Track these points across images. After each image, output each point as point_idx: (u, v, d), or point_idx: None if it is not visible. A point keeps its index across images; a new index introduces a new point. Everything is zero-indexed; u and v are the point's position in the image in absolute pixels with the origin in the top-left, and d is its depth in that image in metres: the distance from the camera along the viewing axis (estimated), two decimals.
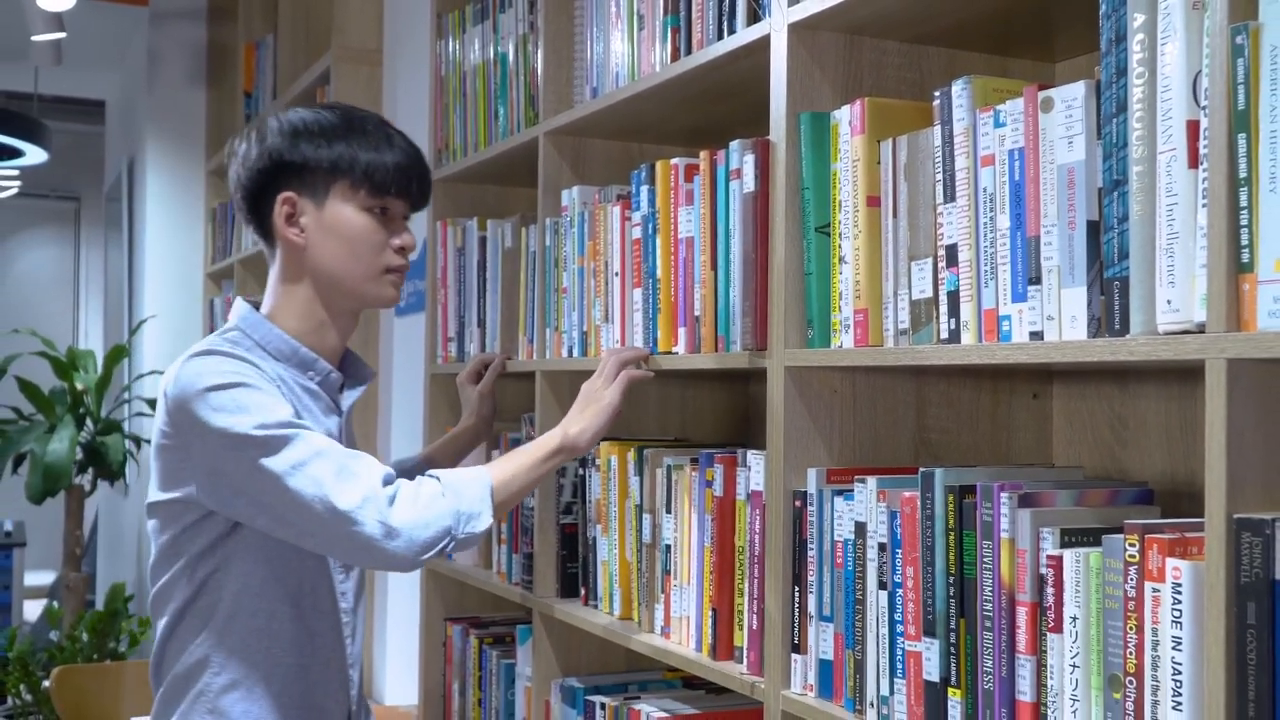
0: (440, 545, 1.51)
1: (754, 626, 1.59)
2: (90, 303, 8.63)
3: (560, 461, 1.69)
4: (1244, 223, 0.97)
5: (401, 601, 3.20)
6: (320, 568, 1.64)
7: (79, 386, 4.64)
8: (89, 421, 4.66)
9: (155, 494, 1.61)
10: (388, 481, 1.52)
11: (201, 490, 1.54)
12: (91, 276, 8.60)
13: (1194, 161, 1.03)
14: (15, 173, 7.05)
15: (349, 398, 1.73)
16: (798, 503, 1.51)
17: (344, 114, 1.66)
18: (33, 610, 6.02)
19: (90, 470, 4.64)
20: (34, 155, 5.51)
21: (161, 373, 4.92)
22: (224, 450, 1.49)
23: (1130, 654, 1.08)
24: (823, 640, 1.47)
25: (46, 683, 3.94)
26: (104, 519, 6.36)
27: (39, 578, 6.55)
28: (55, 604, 4.74)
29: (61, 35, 4.12)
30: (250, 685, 1.59)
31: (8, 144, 5.43)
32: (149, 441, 4.73)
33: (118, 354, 4.74)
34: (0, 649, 4.26)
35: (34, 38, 4.09)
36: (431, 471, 1.59)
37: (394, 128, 1.69)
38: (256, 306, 1.68)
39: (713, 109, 1.95)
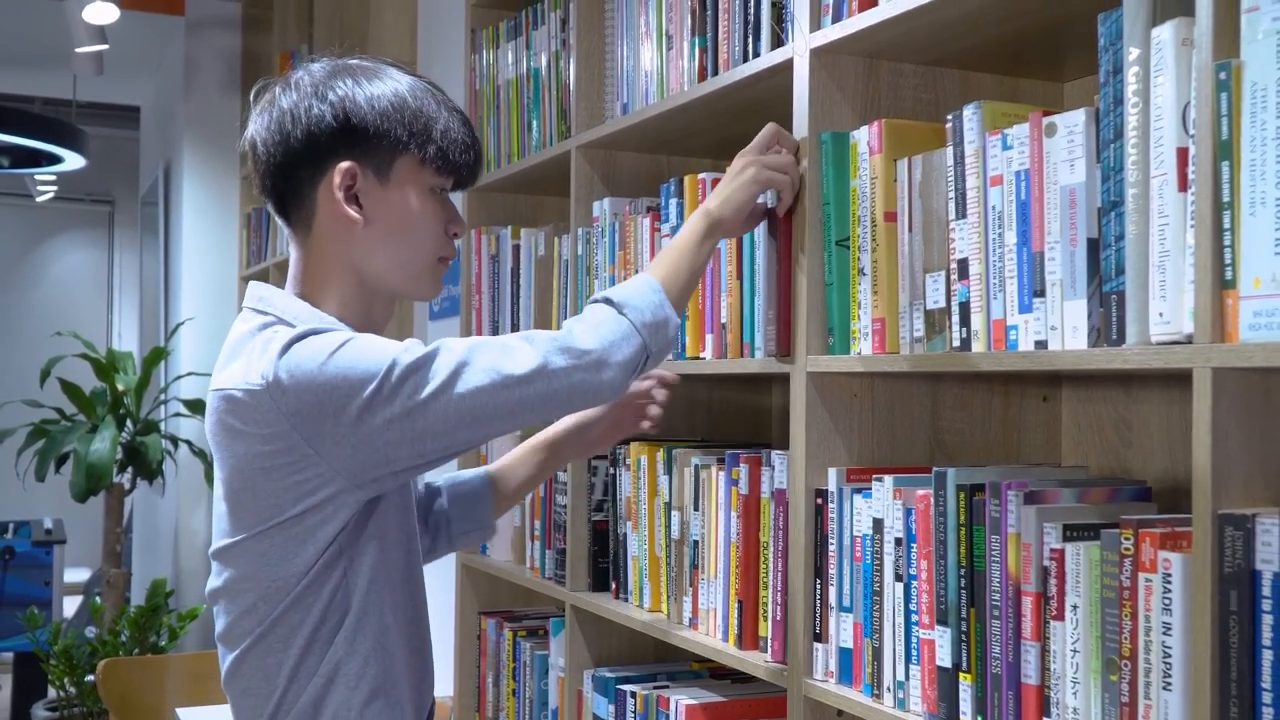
0: (640, 362, 1.39)
1: (778, 617, 1.69)
2: (124, 305, 8.78)
3: (717, 241, 1.55)
4: (1227, 243, 1.06)
5: (436, 595, 3.29)
6: (413, 543, 1.49)
7: (119, 388, 4.76)
8: (129, 422, 4.78)
9: (243, 530, 1.37)
10: (531, 337, 1.36)
11: (350, 476, 1.32)
12: (125, 279, 8.75)
13: (1183, 185, 1.12)
14: (53, 178, 7.19)
15: None
16: (819, 500, 1.60)
17: (399, 71, 1.46)
18: (70, 606, 6.16)
19: (130, 469, 4.76)
20: (72, 161, 5.65)
21: (198, 374, 5.08)
22: (371, 411, 1.29)
23: (1126, 639, 1.17)
24: (843, 630, 1.56)
25: (90, 676, 4.07)
26: (140, 517, 6.50)
27: (74, 574, 6.69)
28: (98, 599, 4.86)
29: (104, 47, 4.24)
30: (388, 689, 1.42)
31: (47, 150, 5.56)
32: (187, 442, 4.87)
33: (157, 356, 4.87)
34: (43, 643, 4.38)
35: (77, 50, 4.22)
36: (595, 297, 1.44)
37: (441, 90, 1.49)
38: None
39: (737, 124, 2.04)
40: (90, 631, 4.76)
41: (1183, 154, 1.12)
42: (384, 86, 1.41)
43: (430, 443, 1.31)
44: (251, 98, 1.47)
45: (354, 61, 1.45)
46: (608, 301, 1.41)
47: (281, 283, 1.48)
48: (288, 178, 1.42)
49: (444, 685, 3.14)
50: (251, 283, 1.48)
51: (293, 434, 1.31)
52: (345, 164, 1.40)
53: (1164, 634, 1.12)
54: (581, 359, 1.34)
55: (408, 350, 1.32)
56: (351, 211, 1.41)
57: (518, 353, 1.33)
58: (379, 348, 1.32)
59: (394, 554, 1.43)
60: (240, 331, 1.41)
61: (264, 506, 1.35)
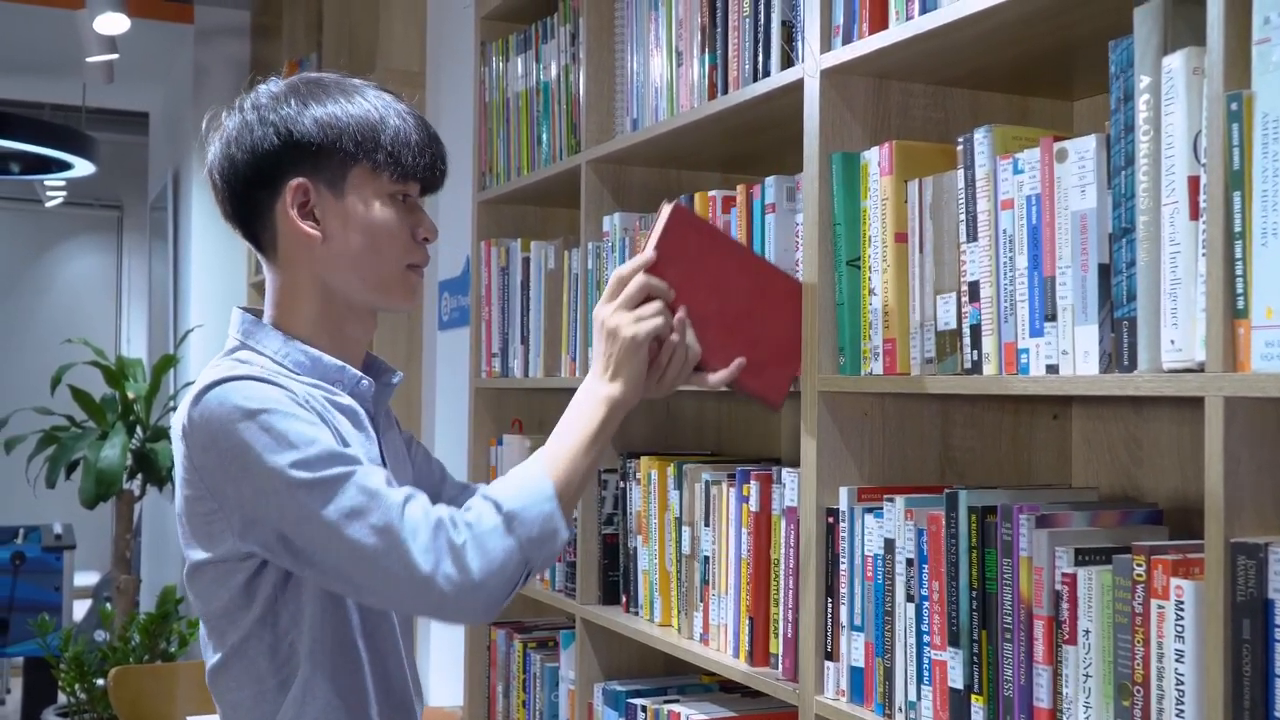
0: (517, 585, 1.30)
1: (789, 635, 1.69)
2: (133, 310, 8.80)
3: (615, 427, 1.44)
4: (1239, 272, 1.06)
5: None
6: None
7: (130, 395, 4.78)
8: (139, 429, 4.80)
9: (196, 554, 1.35)
10: (440, 524, 1.27)
11: (240, 541, 1.30)
12: (134, 284, 8.77)
13: (1194, 214, 1.12)
14: (62, 184, 7.22)
15: (381, 405, 1.51)
16: (830, 519, 1.60)
17: (344, 82, 1.43)
18: (79, 609, 6.18)
19: (140, 476, 4.78)
20: (82, 168, 5.67)
21: None
22: (263, 495, 1.26)
23: (1138, 665, 1.17)
24: (854, 648, 1.56)
25: (100, 682, 4.08)
26: (148, 523, 6.51)
27: (84, 578, 6.71)
28: (108, 605, 4.87)
29: (114, 57, 4.26)
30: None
31: (57, 157, 5.58)
32: None
33: (166, 363, 4.88)
34: (53, 648, 4.40)
35: (88, 59, 4.23)
36: (483, 491, 1.33)
37: (402, 99, 1.46)
38: (258, 316, 1.45)
39: (747, 141, 2.05)
40: (100, 636, 4.77)
41: (1194, 183, 1.12)
42: (329, 98, 1.39)
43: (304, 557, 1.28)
44: (204, 126, 1.46)
45: (309, 76, 1.44)
46: (498, 508, 1.30)
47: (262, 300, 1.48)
48: (244, 201, 1.42)
49: (454, 696, 3.16)
50: (235, 308, 1.47)
51: (200, 483, 1.31)
52: (295, 181, 1.38)
53: (1177, 661, 1.12)
54: (463, 583, 1.25)
55: (328, 458, 1.27)
56: (308, 228, 1.39)
57: (411, 535, 1.25)
58: (300, 428, 1.28)
59: (345, 611, 1.37)
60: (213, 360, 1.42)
61: (189, 539, 1.37)
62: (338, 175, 1.39)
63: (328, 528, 1.25)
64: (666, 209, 1.54)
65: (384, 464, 1.44)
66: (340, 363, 1.42)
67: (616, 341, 1.45)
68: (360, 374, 1.45)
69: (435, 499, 1.36)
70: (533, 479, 1.34)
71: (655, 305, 1.49)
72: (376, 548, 1.24)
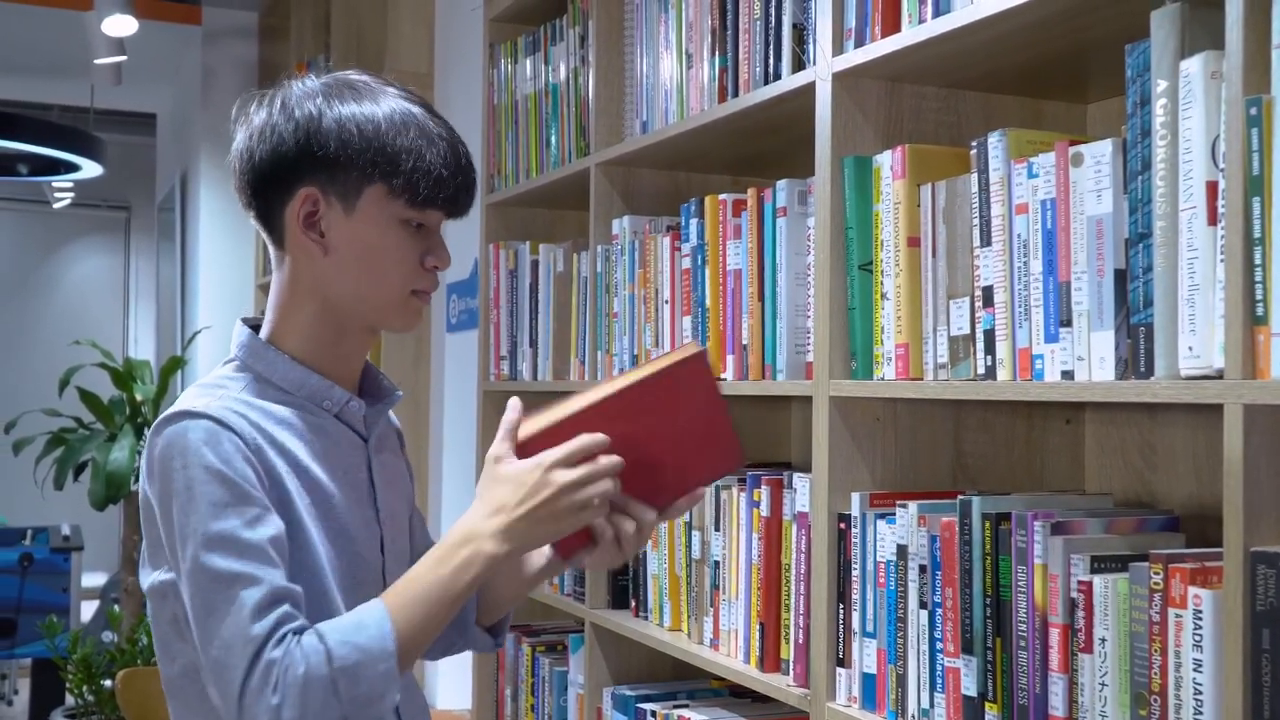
0: None
1: (800, 641, 1.68)
2: (140, 311, 8.81)
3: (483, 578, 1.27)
4: (1258, 279, 1.05)
5: None
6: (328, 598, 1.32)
7: (138, 397, 4.77)
8: (147, 431, 4.79)
9: (146, 571, 1.31)
10: (270, 667, 1.19)
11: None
12: (142, 285, 8.78)
13: (1213, 219, 1.11)
14: (70, 185, 7.23)
15: (375, 424, 1.43)
16: (842, 525, 1.60)
17: (377, 90, 1.33)
18: (87, 610, 6.18)
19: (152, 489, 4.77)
20: (89, 169, 5.68)
21: None
22: (177, 546, 1.24)
23: (1155, 674, 1.16)
24: (866, 655, 1.55)
25: (107, 683, 4.08)
26: None
27: (91, 579, 6.71)
28: (116, 607, 4.87)
29: (123, 58, 4.26)
30: None
31: (65, 159, 5.59)
32: None
33: (174, 365, 4.87)
34: (61, 650, 4.39)
35: (96, 61, 4.23)
36: (321, 630, 1.21)
37: (439, 117, 1.37)
38: (258, 327, 1.40)
39: (758, 143, 2.04)
40: (108, 637, 4.76)
41: (1212, 188, 1.11)
42: (359, 109, 1.30)
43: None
44: (234, 110, 1.39)
45: (347, 78, 1.35)
46: (329, 659, 1.19)
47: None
48: (259, 196, 1.35)
49: (462, 699, 3.15)
50: (238, 320, 1.43)
51: (151, 505, 1.28)
52: (306, 189, 1.31)
53: (1195, 671, 1.11)
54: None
55: (231, 544, 1.22)
56: (310, 239, 1.32)
57: (242, 653, 1.19)
58: (222, 497, 1.23)
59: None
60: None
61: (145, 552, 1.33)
62: (351, 191, 1.31)
63: (199, 614, 1.22)
64: (688, 351, 1.30)
65: (371, 486, 1.39)
66: (329, 382, 1.37)
67: (541, 499, 1.23)
68: (349, 395, 1.38)
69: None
70: (376, 633, 1.22)
71: (605, 483, 1.25)
72: (219, 659, 1.20)
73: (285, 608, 1.22)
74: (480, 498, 1.27)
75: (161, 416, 1.28)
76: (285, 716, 1.18)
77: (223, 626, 1.20)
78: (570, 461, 1.24)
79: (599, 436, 1.25)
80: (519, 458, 1.26)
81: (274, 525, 1.24)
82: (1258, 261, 1.05)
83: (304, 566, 1.29)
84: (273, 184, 1.33)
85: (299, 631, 1.21)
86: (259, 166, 1.33)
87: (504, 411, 1.65)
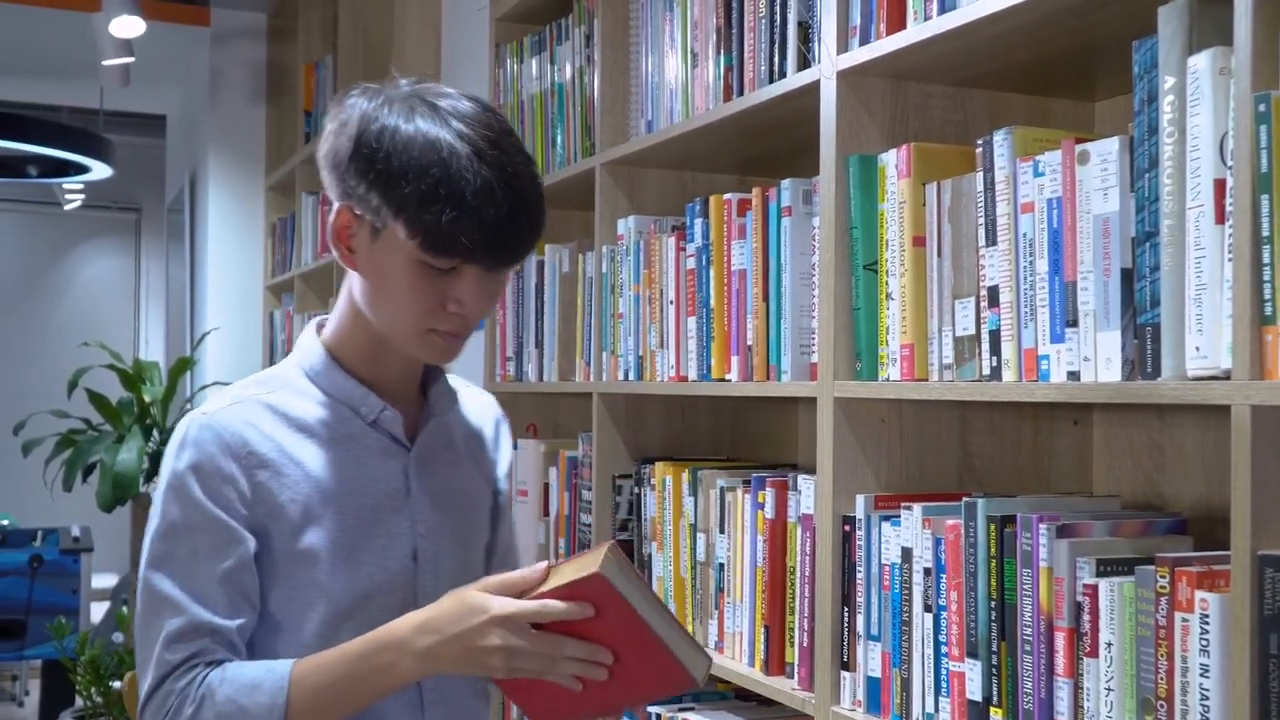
0: None
1: (804, 644, 1.67)
2: (151, 312, 8.82)
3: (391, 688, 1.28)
4: (1267, 278, 1.03)
5: None
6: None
7: (146, 398, 4.77)
8: (155, 432, 4.79)
9: None
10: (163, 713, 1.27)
11: None
12: (152, 286, 8.79)
13: (1220, 218, 1.10)
14: (80, 186, 7.23)
15: (428, 436, 1.44)
16: (846, 527, 1.58)
17: (434, 138, 1.25)
18: (97, 611, 6.19)
19: (156, 479, 4.78)
20: (99, 171, 5.68)
21: (223, 384, 5.08)
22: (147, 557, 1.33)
23: (1162, 679, 1.14)
24: (870, 659, 1.54)
25: (116, 684, 4.08)
26: None
27: (100, 580, 6.72)
28: (124, 609, 4.87)
29: (130, 60, 4.26)
30: None
31: (75, 161, 5.59)
32: None
33: (183, 366, 4.88)
34: (70, 651, 4.40)
35: (104, 62, 4.23)
36: (221, 679, 1.26)
37: (513, 156, 1.28)
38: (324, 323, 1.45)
39: (763, 143, 2.02)
40: (118, 638, 4.77)
41: (1220, 186, 1.10)
42: (402, 141, 1.25)
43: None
44: (330, 105, 1.39)
45: (422, 95, 1.29)
46: (215, 709, 1.25)
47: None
48: (330, 199, 1.36)
49: None
50: (313, 318, 1.47)
51: None
52: (342, 205, 1.31)
53: (1201, 675, 1.09)
54: None
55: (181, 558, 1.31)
56: (342, 251, 1.33)
57: (152, 669, 1.29)
58: (194, 519, 1.31)
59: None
60: None
61: None
62: (380, 219, 1.28)
63: (137, 618, 1.33)
64: (594, 561, 1.22)
65: (408, 492, 1.40)
66: (365, 390, 1.38)
67: (472, 643, 1.22)
68: (383, 404, 1.38)
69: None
70: (266, 702, 1.26)
71: (537, 660, 1.22)
72: (139, 664, 1.32)
73: (204, 642, 1.28)
74: (432, 606, 1.27)
75: (209, 399, 1.37)
76: None
77: (145, 640, 1.30)
78: (517, 620, 1.21)
79: (558, 606, 1.21)
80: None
81: (232, 555, 1.30)
82: (1266, 260, 1.04)
83: (284, 581, 1.33)
84: (331, 187, 1.33)
85: (212, 664, 1.28)
86: (323, 169, 1.33)
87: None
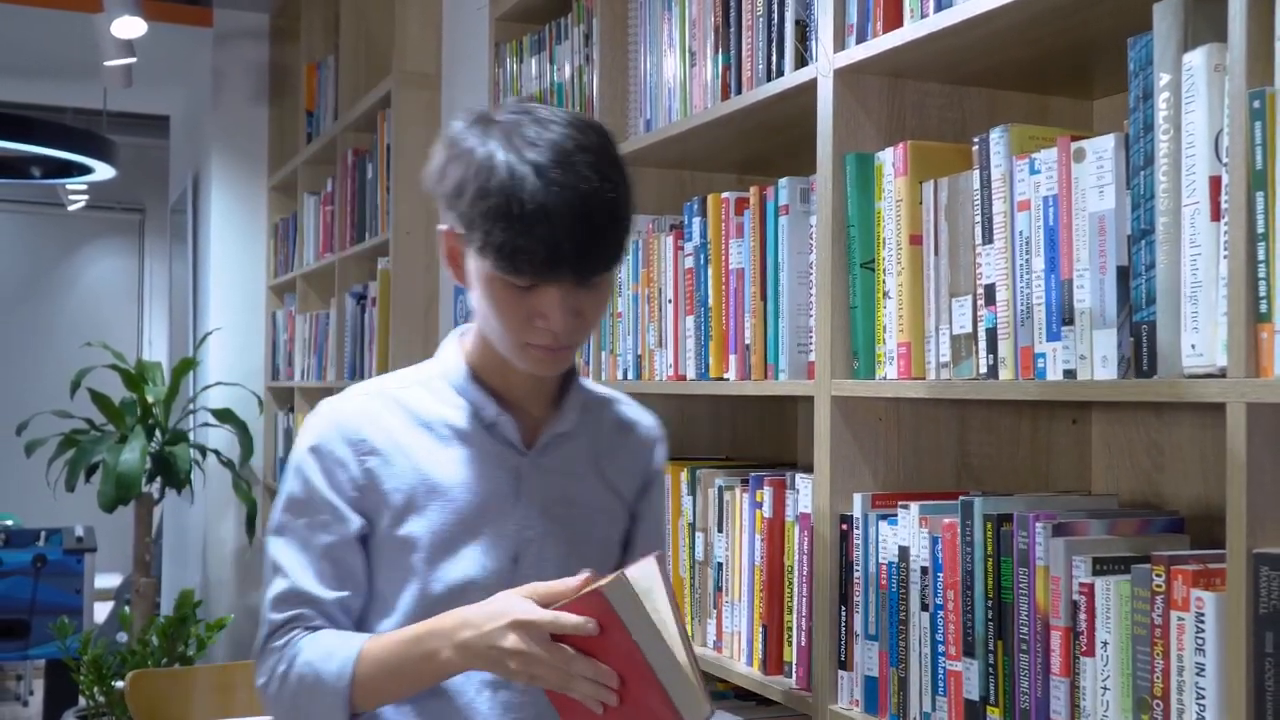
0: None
1: (802, 643, 1.67)
2: (154, 313, 8.83)
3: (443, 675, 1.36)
4: (1261, 275, 1.03)
5: None
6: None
7: (149, 399, 4.78)
8: (158, 432, 4.80)
9: None
10: (265, 652, 1.41)
11: None
12: (156, 287, 8.79)
13: (1216, 215, 1.09)
14: (84, 187, 7.24)
15: (547, 444, 1.47)
16: (844, 526, 1.58)
17: (500, 161, 1.28)
18: (100, 612, 6.20)
19: (159, 479, 4.78)
20: (103, 172, 5.68)
21: (226, 384, 5.10)
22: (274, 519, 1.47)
23: (1158, 678, 1.14)
24: (868, 658, 1.54)
25: (119, 684, 4.08)
26: (169, 526, 6.52)
27: (104, 580, 6.73)
28: (127, 609, 4.87)
29: (132, 60, 4.26)
30: None
31: (78, 161, 5.60)
32: (215, 451, 4.90)
33: (185, 366, 4.88)
34: (73, 651, 4.40)
35: (106, 63, 4.23)
36: (309, 643, 1.38)
37: (584, 175, 1.28)
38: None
39: (762, 142, 2.02)
40: (122, 638, 4.77)
41: (1215, 183, 1.09)
42: (480, 161, 1.29)
43: None
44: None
45: (511, 116, 1.32)
46: (297, 671, 1.37)
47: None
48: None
49: None
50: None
51: None
52: (449, 224, 1.37)
53: (1197, 674, 1.09)
54: (263, 691, 1.42)
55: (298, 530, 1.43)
56: (453, 270, 1.41)
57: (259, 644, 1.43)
58: (314, 490, 1.43)
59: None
60: None
61: None
62: (468, 238, 1.33)
63: (265, 572, 1.46)
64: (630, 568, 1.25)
65: (517, 496, 1.44)
66: (485, 396, 1.45)
67: (493, 642, 1.26)
68: (499, 411, 1.44)
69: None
70: (336, 670, 1.36)
71: (551, 669, 1.23)
72: (259, 617, 1.44)
73: (304, 609, 1.41)
74: (482, 603, 1.32)
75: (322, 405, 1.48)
76: (265, 694, 1.42)
77: (264, 596, 1.44)
78: (532, 627, 1.24)
79: (570, 619, 1.22)
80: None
81: (336, 533, 1.41)
82: (1261, 258, 1.03)
83: (386, 563, 1.43)
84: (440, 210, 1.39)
85: (310, 629, 1.40)
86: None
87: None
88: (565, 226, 1.27)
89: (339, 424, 1.44)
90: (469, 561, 1.42)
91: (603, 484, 1.52)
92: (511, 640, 1.24)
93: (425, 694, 1.40)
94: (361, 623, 1.44)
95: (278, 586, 1.41)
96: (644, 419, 1.61)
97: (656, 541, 1.60)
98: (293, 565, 1.41)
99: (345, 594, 1.42)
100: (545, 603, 1.26)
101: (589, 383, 1.59)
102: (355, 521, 1.41)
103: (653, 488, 1.60)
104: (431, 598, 1.40)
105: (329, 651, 1.37)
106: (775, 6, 1.75)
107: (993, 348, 1.36)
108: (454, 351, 1.48)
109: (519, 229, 1.26)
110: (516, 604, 1.26)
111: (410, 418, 1.45)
